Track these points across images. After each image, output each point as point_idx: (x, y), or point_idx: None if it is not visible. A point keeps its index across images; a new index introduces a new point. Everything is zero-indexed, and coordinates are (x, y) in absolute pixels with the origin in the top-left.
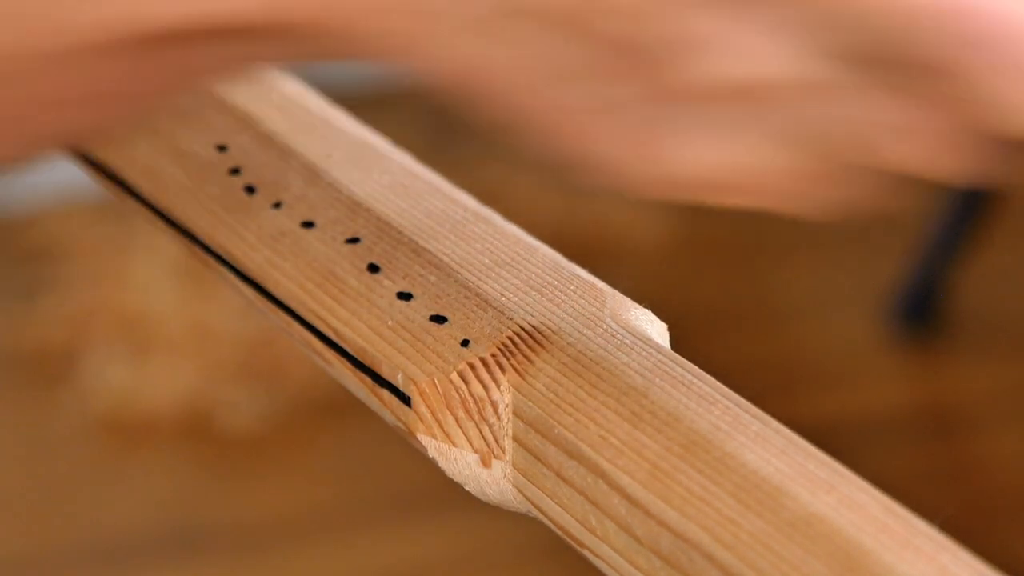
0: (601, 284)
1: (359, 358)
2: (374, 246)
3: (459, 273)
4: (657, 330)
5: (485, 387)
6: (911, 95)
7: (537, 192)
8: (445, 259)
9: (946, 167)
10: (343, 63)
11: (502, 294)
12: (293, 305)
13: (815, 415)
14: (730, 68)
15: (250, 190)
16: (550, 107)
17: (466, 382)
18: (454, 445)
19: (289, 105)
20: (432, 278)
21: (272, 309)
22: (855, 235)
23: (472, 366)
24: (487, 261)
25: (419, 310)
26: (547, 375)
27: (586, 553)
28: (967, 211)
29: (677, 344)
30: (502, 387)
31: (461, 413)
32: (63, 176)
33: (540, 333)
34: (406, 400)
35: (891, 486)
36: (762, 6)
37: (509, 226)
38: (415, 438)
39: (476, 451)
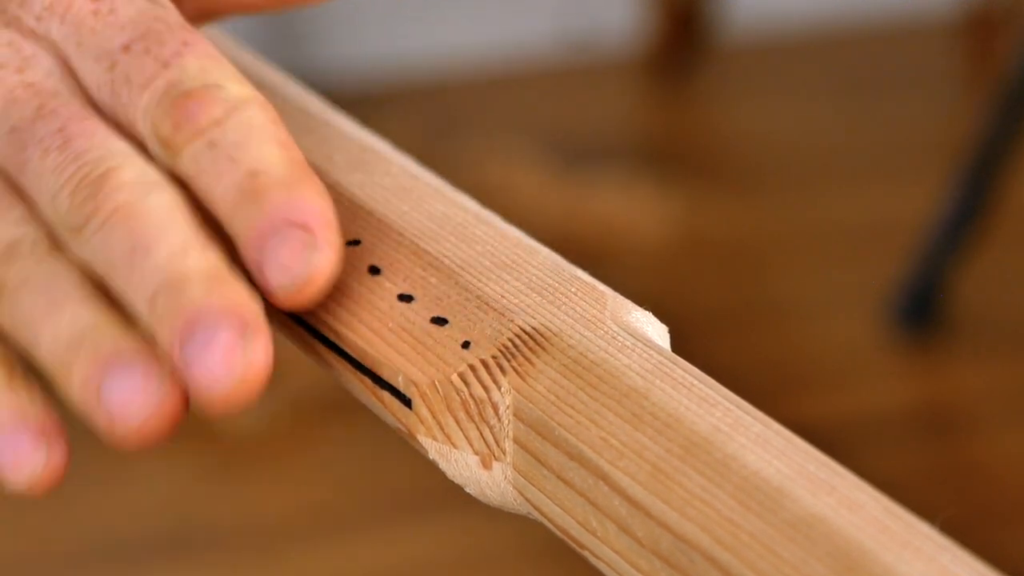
0: (601, 286)
1: (360, 360)
2: (375, 248)
3: (460, 275)
4: (657, 332)
5: (486, 389)
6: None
7: (538, 194)
8: (446, 261)
9: None
10: (343, 61)
11: (503, 296)
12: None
13: (815, 416)
14: None
15: None
16: None
17: (467, 384)
18: (455, 447)
19: (290, 108)
20: (433, 280)
21: (272, 310)
22: (855, 235)
23: (473, 368)
24: (488, 263)
25: (420, 312)
26: (548, 377)
27: (586, 555)
28: (967, 211)
29: (677, 346)
30: (503, 389)
31: (462, 415)
32: None
33: (541, 335)
34: (407, 402)
35: (891, 486)
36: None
37: (510, 228)
38: (416, 440)
39: (477, 453)
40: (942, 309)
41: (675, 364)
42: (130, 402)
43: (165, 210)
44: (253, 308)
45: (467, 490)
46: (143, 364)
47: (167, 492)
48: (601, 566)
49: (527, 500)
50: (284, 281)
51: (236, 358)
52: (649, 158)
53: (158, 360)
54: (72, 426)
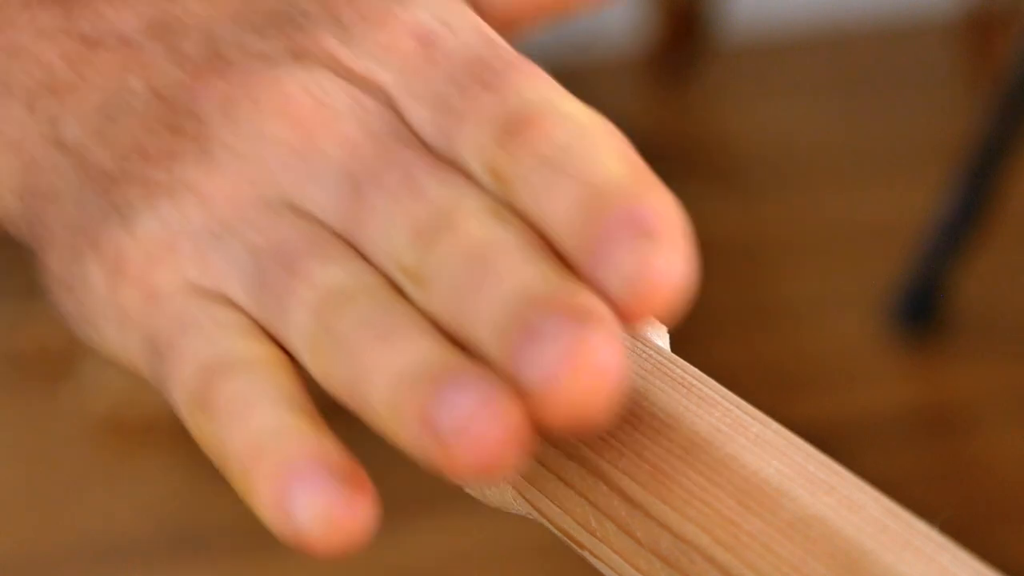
0: None
1: None
2: None
3: None
4: (657, 332)
5: None
6: None
7: None
8: None
9: None
10: None
11: None
12: None
13: (815, 416)
14: None
15: None
16: None
17: None
18: None
19: None
20: None
21: None
22: (855, 235)
23: None
24: None
25: None
26: None
27: (586, 554)
28: (967, 211)
29: (677, 346)
30: None
31: None
32: None
33: None
34: None
35: (891, 486)
36: None
37: None
38: None
39: None
40: (942, 309)
41: (674, 364)
42: (467, 420)
43: (513, 243)
44: (596, 305)
45: (467, 490)
46: (481, 380)
47: (167, 492)
48: (600, 566)
49: (527, 500)
50: (617, 284)
51: (573, 350)
52: (649, 158)
53: (498, 378)
54: (71, 428)
